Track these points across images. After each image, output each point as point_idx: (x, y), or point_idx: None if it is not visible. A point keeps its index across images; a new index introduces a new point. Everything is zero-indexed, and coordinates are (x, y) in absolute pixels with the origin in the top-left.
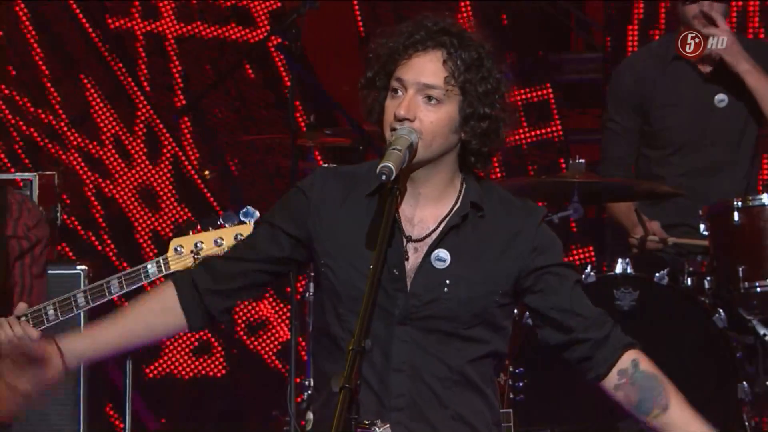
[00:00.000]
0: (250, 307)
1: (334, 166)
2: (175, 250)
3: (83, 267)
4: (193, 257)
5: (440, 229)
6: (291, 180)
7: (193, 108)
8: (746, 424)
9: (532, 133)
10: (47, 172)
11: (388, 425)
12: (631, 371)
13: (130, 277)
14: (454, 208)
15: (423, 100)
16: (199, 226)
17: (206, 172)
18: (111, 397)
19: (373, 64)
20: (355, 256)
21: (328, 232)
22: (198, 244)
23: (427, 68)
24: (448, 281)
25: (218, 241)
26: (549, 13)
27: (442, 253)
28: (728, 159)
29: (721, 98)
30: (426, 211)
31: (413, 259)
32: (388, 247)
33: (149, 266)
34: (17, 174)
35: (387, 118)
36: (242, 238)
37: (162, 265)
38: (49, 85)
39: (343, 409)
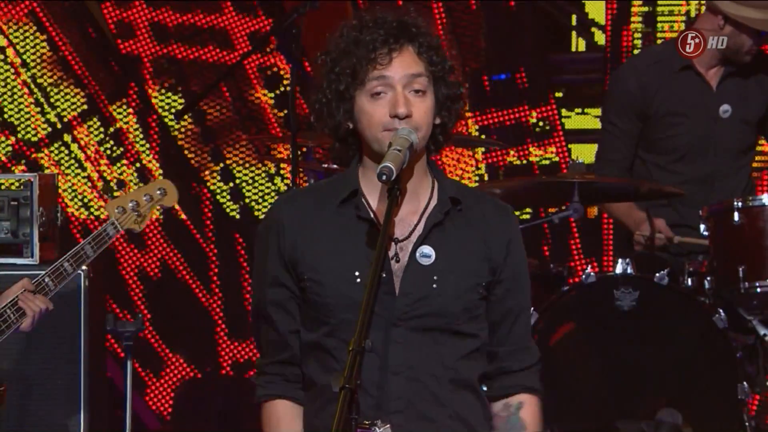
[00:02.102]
0: (237, 348)
1: (291, 190)
2: (118, 211)
3: (84, 267)
4: (136, 214)
5: (422, 225)
6: (291, 180)
7: (192, 108)
8: (746, 424)
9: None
10: (47, 173)
11: (388, 425)
12: (511, 411)
13: (98, 241)
14: (431, 203)
15: (411, 94)
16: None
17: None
18: (111, 397)
19: (341, 76)
20: (338, 266)
21: (308, 248)
22: (133, 203)
23: (408, 62)
24: (435, 277)
25: (147, 196)
26: (549, 12)
27: (427, 249)
28: (729, 168)
29: (725, 109)
30: (405, 208)
31: (402, 258)
32: (375, 251)
33: (109, 229)
34: (17, 174)
35: (376, 121)
36: (161, 193)
37: (117, 225)
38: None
39: (344, 409)
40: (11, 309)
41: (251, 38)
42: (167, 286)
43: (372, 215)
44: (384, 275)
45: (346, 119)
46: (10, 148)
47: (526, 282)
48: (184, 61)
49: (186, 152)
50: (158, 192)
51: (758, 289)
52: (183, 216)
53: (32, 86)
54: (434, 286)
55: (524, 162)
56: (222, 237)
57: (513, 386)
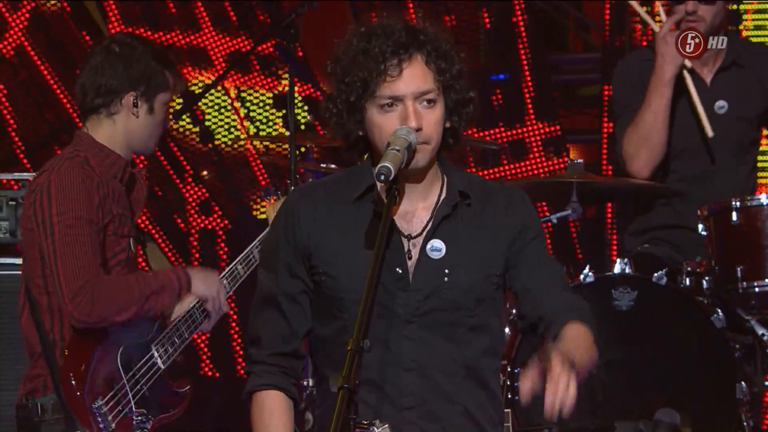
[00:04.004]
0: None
1: (309, 182)
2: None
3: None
4: None
5: (432, 220)
6: (289, 180)
7: (190, 108)
8: (744, 424)
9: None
10: None
11: (386, 425)
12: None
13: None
14: (442, 198)
15: (422, 106)
16: (271, 197)
17: (204, 173)
18: None
19: (352, 87)
20: (353, 262)
21: (323, 242)
22: None
23: (418, 75)
24: (447, 270)
25: None
26: (547, 12)
27: (437, 243)
28: (727, 165)
29: (721, 105)
30: (418, 206)
31: (414, 255)
32: (387, 248)
33: None
34: (17, 174)
35: (387, 131)
36: None
37: None
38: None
39: (342, 409)
40: (198, 310)
41: (229, 57)
42: None
43: None
44: (400, 271)
45: (357, 128)
46: (9, 148)
47: (545, 256)
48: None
49: (184, 152)
50: None
51: (756, 289)
52: (169, 251)
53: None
54: (445, 279)
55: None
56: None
57: (554, 327)
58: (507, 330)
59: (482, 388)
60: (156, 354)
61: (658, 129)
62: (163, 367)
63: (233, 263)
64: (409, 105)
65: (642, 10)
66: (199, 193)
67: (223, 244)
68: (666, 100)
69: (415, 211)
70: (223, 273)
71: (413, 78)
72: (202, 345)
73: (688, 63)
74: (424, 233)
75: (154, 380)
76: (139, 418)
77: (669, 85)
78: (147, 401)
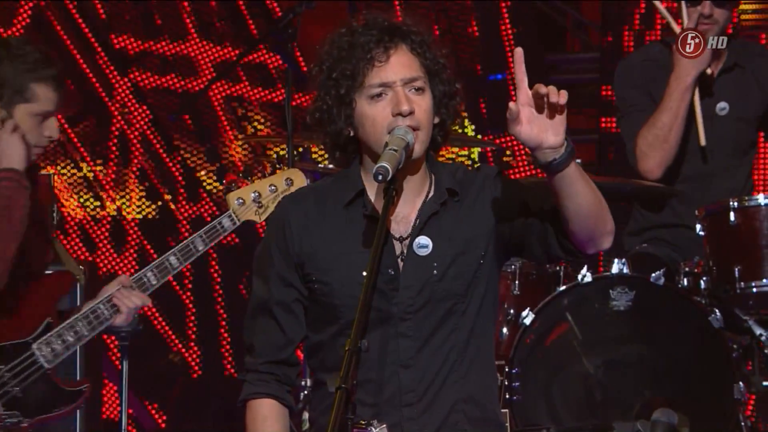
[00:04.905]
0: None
1: (296, 190)
2: (238, 202)
3: (80, 267)
4: (257, 205)
5: (419, 219)
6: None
7: (189, 108)
8: (742, 424)
9: None
10: (43, 173)
11: (384, 425)
12: None
13: (210, 234)
14: (429, 197)
15: (411, 92)
16: (245, 181)
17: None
18: (107, 396)
19: (341, 80)
20: (346, 268)
21: (315, 249)
22: (255, 194)
23: (404, 62)
24: (435, 263)
25: (272, 187)
26: (545, 12)
27: (424, 240)
28: (727, 166)
29: (722, 106)
30: (407, 207)
31: (404, 255)
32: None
33: (224, 221)
34: None
35: (380, 122)
36: (288, 183)
37: (234, 218)
38: None
39: (340, 409)
40: (106, 305)
41: (216, 67)
42: (143, 337)
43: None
44: (392, 272)
45: (347, 125)
46: None
47: (532, 188)
48: (147, 89)
49: (182, 152)
50: (285, 182)
51: (754, 289)
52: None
53: None
54: (434, 272)
55: None
56: (199, 286)
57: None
58: (505, 330)
59: (485, 371)
60: (38, 353)
61: (676, 130)
62: (47, 366)
63: (166, 254)
64: (399, 90)
65: (665, 10)
66: (197, 213)
67: (216, 265)
68: (686, 103)
69: (408, 213)
70: (152, 263)
71: (401, 65)
72: (194, 347)
73: (709, 70)
74: (414, 233)
75: (33, 380)
76: (11, 420)
77: (690, 89)
78: (21, 402)
